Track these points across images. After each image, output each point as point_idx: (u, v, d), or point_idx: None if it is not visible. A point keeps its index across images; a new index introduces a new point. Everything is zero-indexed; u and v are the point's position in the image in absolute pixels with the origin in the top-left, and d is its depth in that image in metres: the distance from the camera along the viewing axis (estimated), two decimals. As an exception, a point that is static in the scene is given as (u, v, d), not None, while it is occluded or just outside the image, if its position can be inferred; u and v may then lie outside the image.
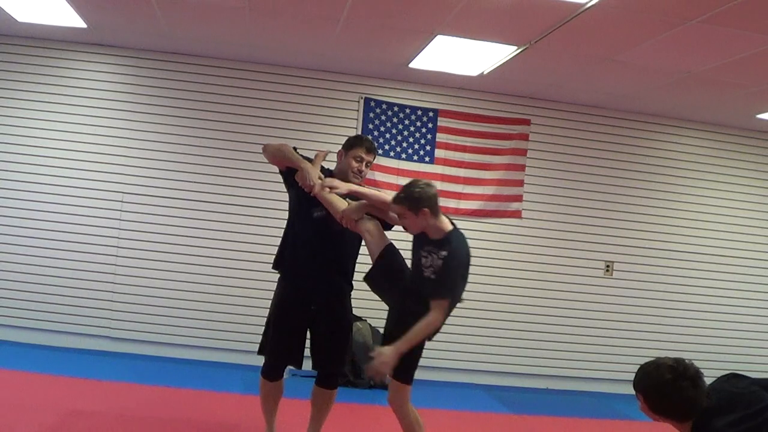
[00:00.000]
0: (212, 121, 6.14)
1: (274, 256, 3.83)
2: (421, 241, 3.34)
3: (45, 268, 5.95)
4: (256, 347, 6.22)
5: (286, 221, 3.81)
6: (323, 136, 6.26)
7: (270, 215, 6.13)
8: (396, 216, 3.41)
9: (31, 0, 4.99)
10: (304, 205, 3.61)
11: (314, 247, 3.64)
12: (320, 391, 3.81)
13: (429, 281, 3.28)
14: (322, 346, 3.73)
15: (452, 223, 3.36)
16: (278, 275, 3.82)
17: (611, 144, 6.65)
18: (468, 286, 6.92)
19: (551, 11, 4.18)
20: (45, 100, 5.98)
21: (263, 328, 3.83)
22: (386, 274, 3.46)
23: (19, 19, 5.41)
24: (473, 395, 5.98)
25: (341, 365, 3.86)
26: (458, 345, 6.35)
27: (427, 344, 5.67)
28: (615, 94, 6.12)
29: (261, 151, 3.77)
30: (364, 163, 3.68)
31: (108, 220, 6.02)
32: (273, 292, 3.83)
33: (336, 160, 3.78)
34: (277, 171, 3.78)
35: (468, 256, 3.32)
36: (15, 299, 5.94)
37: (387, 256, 3.43)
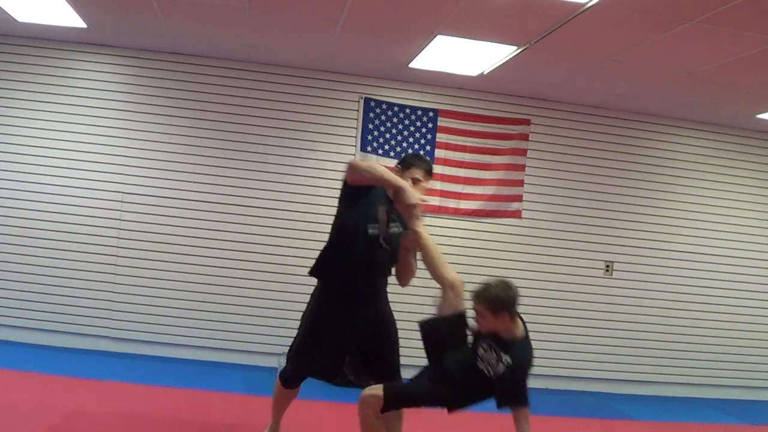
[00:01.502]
0: (212, 121, 6.14)
1: (314, 264, 3.62)
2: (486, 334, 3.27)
3: (45, 268, 5.95)
4: (256, 347, 6.24)
5: (333, 232, 3.61)
6: (323, 136, 6.27)
7: (270, 215, 6.14)
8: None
9: (31, 0, 4.99)
10: (362, 220, 3.48)
11: (367, 262, 3.50)
12: None
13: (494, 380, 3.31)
14: (375, 359, 3.65)
15: (525, 329, 3.36)
16: (312, 284, 3.65)
17: (611, 144, 6.66)
18: (468, 286, 6.92)
19: (551, 11, 4.18)
20: (45, 100, 5.98)
21: (297, 333, 3.67)
22: (442, 337, 3.38)
23: (19, 19, 5.41)
24: (473, 395, 5.97)
25: (400, 377, 3.74)
26: (458, 345, 6.34)
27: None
28: (615, 94, 6.12)
29: (346, 168, 3.51)
30: (419, 186, 3.49)
31: (108, 220, 6.02)
32: (309, 300, 3.65)
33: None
34: (339, 183, 3.63)
35: (530, 365, 3.35)
36: (15, 299, 5.94)
37: (457, 322, 3.36)
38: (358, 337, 3.54)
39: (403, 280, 3.64)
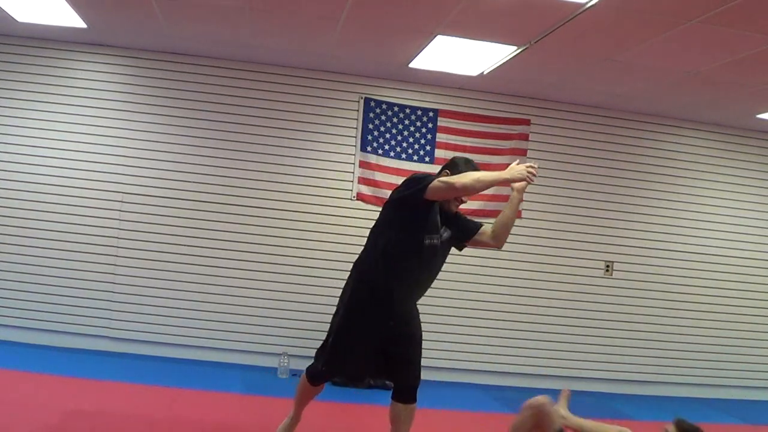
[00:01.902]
0: (212, 121, 6.14)
1: (358, 262, 3.66)
2: None
3: (45, 268, 5.95)
4: (256, 347, 6.23)
5: (385, 242, 3.55)
6: (323, 136, 6.27)
7: (270, 215, 6.14)
8: None
9: (31, 0, 4.99)
10: (422, 231, 3.50)
11: (414, 270, 3.55)
12: (402, 407, 3.65)
13: None
14: (400, 361, 3.61)
15: None
16: (356, 282, 3.63)
17: (611, 144, 6.66)
18: (468, 286, 6.94)
19: (551, 11, 4.18)
20: (45, 100, 5.98)
21: (330, 331, 3.63)
22: None
23: (19, 19, 5.40)
24: (473, 395, 5.98)
25: (419, 378, 3.72)
26: (458, 345, 6.35)
27: (427, 344, 5.67)
28: (615, 94, 6.12)
29: (444, 188, 3.40)
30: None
31: (108, 220, 6.02)
32: (348, 298, 3.60)
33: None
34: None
35: None
36: (15, 299, 5.94)
37: None
38: (387, 337, 3.55)
39: (500, 240, 3.71)
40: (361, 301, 3.54)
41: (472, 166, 3.59)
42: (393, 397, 3.67)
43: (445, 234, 3.61)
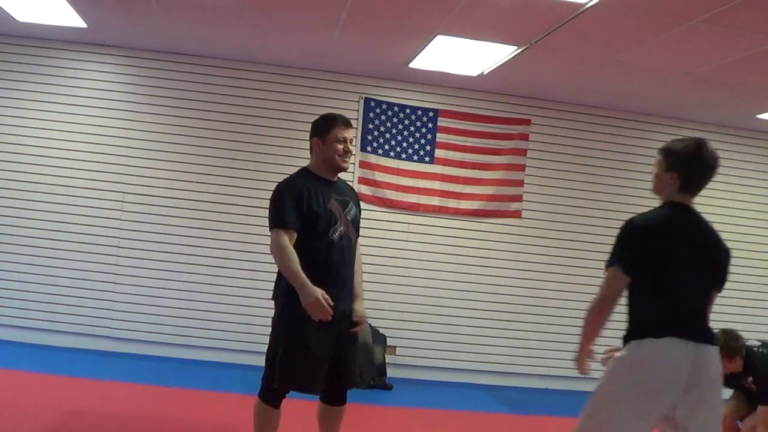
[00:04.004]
0: (212, 121, 6.14)
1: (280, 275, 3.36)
2: None
3: (45, 268, 5.95)
4: (256, 347, 6.20)
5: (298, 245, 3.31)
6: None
7: (270, 215, 6.13)
8: None
9: (31, 0, 4.99)
10: (324, 230, 3.25)
11: (333, 267, 3.29)
12: (332, 409, 3.42)
13: None
14: (341, 362, 3.33)
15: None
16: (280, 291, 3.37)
17: (611, 144, 6.65)
18: (468, 287, 6.94)
19: (551, 11, 4.18)
20: (45, 100, 5.98)
21: (271, 345, 3.30)
22: None
23: (19, 19, 5.40)
24: (473, 395, 5.98)
25: (354, 382, 3.46)
26: (458, 345, 6.35)
27: (427, 344, 5.76)
28: (615, 94, 6.12)
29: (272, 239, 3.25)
30: (348, 142, 3.29)
31: (109, 220, 6.02)
32: (278, 310, 3.35)
33: (310, 151, 3.40)
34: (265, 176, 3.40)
35: None
36: (15, 299, 5.94)
37: None
38: (331, 338, 3.25)
39: None
40: (296, 310, 3.20)
41: (333, 119, 3.34)
42: (323, 399, 3.40)
43: (353, 211, 3.38)
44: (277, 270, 3.36)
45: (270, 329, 3.36)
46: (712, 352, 2.60)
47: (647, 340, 2.63)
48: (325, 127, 3.32)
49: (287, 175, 3.46)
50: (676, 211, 2.73)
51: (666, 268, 2.63)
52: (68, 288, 5.98)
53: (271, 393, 3.30)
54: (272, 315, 3.41)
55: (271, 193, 3.36)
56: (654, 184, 2.85)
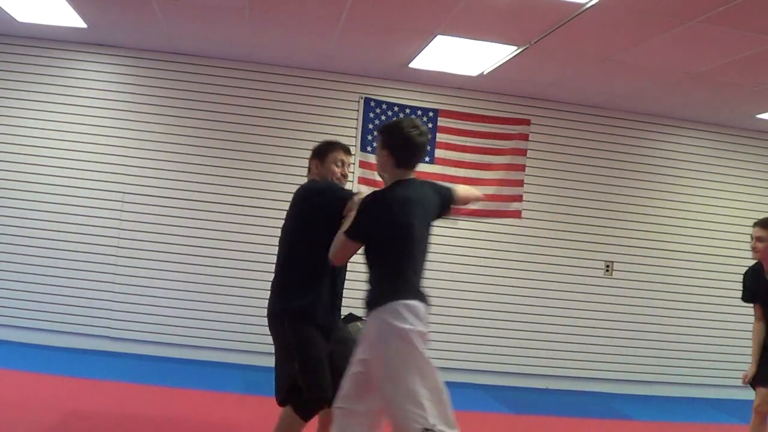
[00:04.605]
0: (212, 121, 6.14)
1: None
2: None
3: (45, 268, 5.95)
4: (256, 347, 6.23)
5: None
6: (323, 136, 6.19)
7: (270, 215, 6.13)
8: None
9: (31, 0, 4.99)
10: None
11: (331, 280, 3.34)
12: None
13: None
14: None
15: None
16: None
17: (611, 144, 6.65)
18: (468, 286, 6.95)
19: (551, 11, 4.18)
20: (45, 100, 5.98)
21: (316, 366, 3.18)
22: None
23: (19, 19, 5.41)
24: (473, 395, 5.98)
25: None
26: (458, 345, 6.35)
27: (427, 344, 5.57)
28: (615, 94, 6.12)
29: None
30: (345, 166, 3.45)
31: (108, 220, 6.02)
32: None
33: (309, 171, 3.48)
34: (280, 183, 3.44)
35: None
36: (15, 299, 5.94)
37: None
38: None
39: None
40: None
41: (333, 144, 3.46)
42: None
43: None
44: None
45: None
46: None
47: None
48: (325, 150, 3.44)
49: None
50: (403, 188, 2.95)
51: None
52: (68, 288, 5.98)
53: (316, 409, 3.24)
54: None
55: (271, 193, 3.37)
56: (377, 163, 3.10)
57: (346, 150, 3.49)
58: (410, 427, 2.72)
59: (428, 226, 3.00)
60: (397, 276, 2.87)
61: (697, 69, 5.05)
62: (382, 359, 2.79)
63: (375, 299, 2.87)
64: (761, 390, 4.13)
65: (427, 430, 2.72)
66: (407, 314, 2.79)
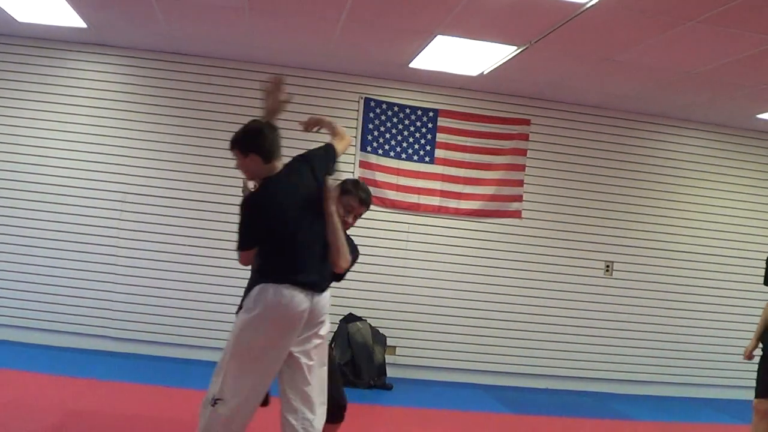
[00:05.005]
0: (212, 121, 6.14)
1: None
2: None
3: (45, 268, 5.95)
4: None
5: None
6: (323, 136, 6.25)
7: (270, 215, 6.14)
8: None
9: (31, 0, 4.99)
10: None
11: None
12: None
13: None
14: None
15: None
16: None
17: (611, 144, 6.66)
18: (468, 286, 6.93)
19: (551, 11, 4.18)
20: (45, 100, 5.98)
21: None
22: None
23: (19, 19, 5.41)
24: (473, 395, 5.98)
25: None
26: (458, 345, 6.35)
27: (427, 344, 5.74)
28: (615, 94, 6.12)
29: None
30: (352, 216, 3.40)
31: (108, 220, 6.02)
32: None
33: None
34: None
35: None
36: (15, 299, 5.94)
37: None
38: None
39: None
40: None
41: (355, 188, 3.44)
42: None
43: None
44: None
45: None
46: None
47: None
48: (347, 190, 3.41)
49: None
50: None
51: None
52: (68, 288, 5.98)
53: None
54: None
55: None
56: (245, 174, 3.22)
57: (364, 200, 3.46)
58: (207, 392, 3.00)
59: (312, 208, 3.08)
60: (278, 266, 3.01)
61: (697, 69, 5.05)
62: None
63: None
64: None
65: (216, 399, 2.95)
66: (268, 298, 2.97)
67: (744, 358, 4.29)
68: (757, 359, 4.28)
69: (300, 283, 2.93)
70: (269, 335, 2.93)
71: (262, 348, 2.93)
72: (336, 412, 3.33)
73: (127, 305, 6.03)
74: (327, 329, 3.10)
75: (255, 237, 3.06)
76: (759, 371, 4.19)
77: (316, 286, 2.98)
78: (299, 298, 2.91)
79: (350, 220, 3.42)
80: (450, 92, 6.39)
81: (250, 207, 3.11)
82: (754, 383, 4.30)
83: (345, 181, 3.47)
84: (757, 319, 6.94)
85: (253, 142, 3.15)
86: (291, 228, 3.00)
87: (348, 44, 5.38)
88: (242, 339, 2.98)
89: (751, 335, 4.46)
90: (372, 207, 6.25)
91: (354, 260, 3.28)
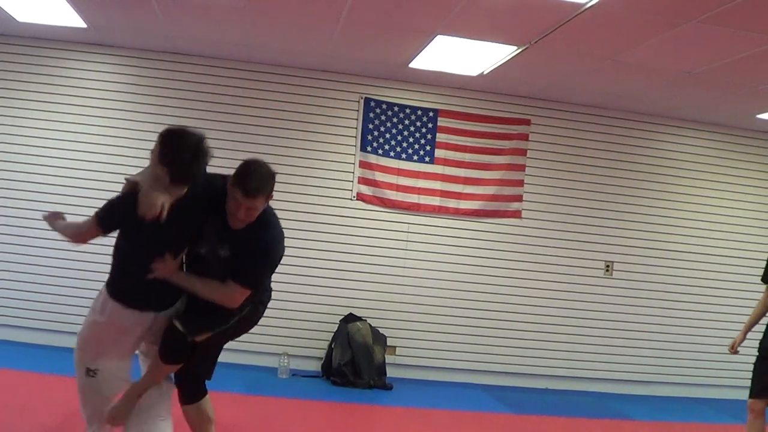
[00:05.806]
0: (212, 121, 6.14)
1: None
2: None
3: (45, 268, 5.95)
4: (256, 347, 6.22)
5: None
6: (323, 136, 6.27)
7: (270, 215, 6.14)
8: None
9: (31, 0, 4.99)
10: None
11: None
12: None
13: None
14: None
15: None
16: None
17: (611, 144, 6.66)
18: (468, 286, 6.94)
19: (551, 11, 4.18)
20: (45, 100, 5.98)
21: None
22: None
23: (19, 19, 5.41)
24: (473, 395, 5.98)
25: None
26: (458, 345, 6.35)
27: (427, 344, 5.72)
28: (615, 94, 6.12)
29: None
30: (242, 210, 3.00)
31: (108, 220, 6.01)
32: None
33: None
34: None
35: None
36: (15, 299, 5.94)
37: None
38: None
39: None
40: None
41: (242, 178, 3.15)
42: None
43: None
44: None
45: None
46: None
47: None
48: (233, 181, 3.20)
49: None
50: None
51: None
52: (68, 288, 5.98)
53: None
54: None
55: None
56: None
57: (248, 191, 3.21)
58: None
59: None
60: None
61: (698, 69, 5.05)
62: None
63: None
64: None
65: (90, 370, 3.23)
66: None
67: (729, 351, 4.29)
68: (745, 356, 4.31)
69: None
70: None
71: None
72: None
73: (127, 305, 6.03)
74: None
75: None
76: (754, 371, 4.20)
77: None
78: None
79: (241, 215, 3.01)
80: (450, 92, 6.39)
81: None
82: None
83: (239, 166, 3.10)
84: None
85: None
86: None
87: (348, 44, 5.38)
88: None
89: (751, 335, 4.46)
90: (372, 207, 6.32)
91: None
